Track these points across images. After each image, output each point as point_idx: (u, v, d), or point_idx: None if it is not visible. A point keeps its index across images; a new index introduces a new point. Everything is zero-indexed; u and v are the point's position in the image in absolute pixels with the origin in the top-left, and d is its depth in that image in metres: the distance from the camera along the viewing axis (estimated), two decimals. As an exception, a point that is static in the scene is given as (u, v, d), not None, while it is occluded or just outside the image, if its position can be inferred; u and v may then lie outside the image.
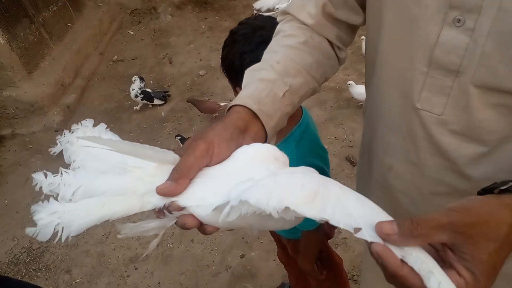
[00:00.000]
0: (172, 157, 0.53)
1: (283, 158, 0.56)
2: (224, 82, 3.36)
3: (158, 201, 0.50)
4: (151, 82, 3.76)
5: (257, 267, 1.99)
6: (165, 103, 3.43)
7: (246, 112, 0.61)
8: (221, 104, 3.02)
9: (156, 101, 3.37)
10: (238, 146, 0.56)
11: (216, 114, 3.06)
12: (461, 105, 0.59)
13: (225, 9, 4.61)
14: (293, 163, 1.04)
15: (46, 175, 0.49)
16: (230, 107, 0.62)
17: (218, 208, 0.46)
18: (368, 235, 0.39)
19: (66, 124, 3.39)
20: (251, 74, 0.67)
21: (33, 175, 0.50)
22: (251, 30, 0.99)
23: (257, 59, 0.71)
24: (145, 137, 3.13)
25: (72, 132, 0.56)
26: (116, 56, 4.20)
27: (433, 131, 0.63)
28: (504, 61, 0.52)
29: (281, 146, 1.05)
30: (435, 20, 0.57)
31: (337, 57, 0.76)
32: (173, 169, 0.51)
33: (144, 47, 4.29)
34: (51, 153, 0.56)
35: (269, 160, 0.55)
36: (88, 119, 0.60)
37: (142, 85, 3.36)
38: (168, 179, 0.50)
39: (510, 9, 0.50)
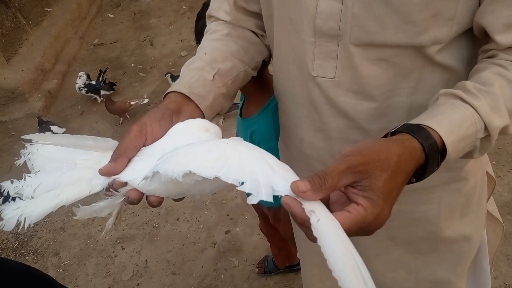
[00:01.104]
0: (112, 143, 0.61)
1: (214, 129, 0.61)
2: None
3: (104, 182, 0.56)
4: (133, 65, 3.74)
5: (242, 241, 2.04)
6: (113, 92, 3.37)
7: (178, 96, 0.66)
8: (132, 103, 3.02)
9: (103, 92, 3.30)
10: (172, 125, 0.62)
11: (129, 112, 3.06)
12: (347, 65, 0.66)
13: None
14: (270, 133, 1.08)
15: (12, 182, 0.57)
16: (164, 96, 0.67)
17: (146, 178, 0.54)
18: (279, 190, 0.45)
19: (48, 109, 3.37)
20: (184, 69, 0.74)
21: (1, 183, 0.58)
22: None
23: None
24: (128, 121, 3.13)
25: (32, 145, 0.62)
26: (96, 40, 4.14)
27: (330, 94, 0.70)
28: (371, 19, 0.60)
29: (258, 117, 1.08)
30: None
31: (264, 44, 0.83)
32: (113, 152, 0.58)
33: (124, 29, 4.23)
34: (16, 164, 0.64)
35: (200, 132, 0.60)
36: (47, 132, 0.68)
37: (87, 82, 3.30)
38: (110, 160, 0.57)
39: None
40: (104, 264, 2.11)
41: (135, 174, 0.55)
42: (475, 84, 0.58)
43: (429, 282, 0.94)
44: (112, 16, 4.49)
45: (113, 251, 2.16)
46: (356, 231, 0.47)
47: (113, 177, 0.56)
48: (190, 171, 0.46)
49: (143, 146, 0.59)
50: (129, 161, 0.57)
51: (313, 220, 0.43)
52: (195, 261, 2.01)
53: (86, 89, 3.27)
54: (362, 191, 0.48)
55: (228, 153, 0.49)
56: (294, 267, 1.81)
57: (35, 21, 3.83)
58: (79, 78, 3.30)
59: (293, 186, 0.45)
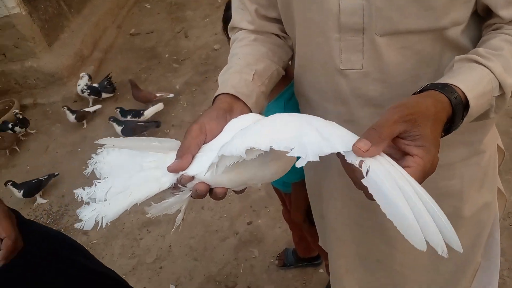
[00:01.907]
0: (176, 143, 0.65)
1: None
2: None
3: (172, 179, 0.61)
4: (167, 55, 3.82)
5: (263, 233, 2.08)
6: (113, 95, 3.39)
7: (227, 97, 0.72)
8: (157, 94, 3.07)
9: (105, 95, 3.33)
10: (227, 122, 0.67)
11: (151, 104, 3.10)
12: (374, 56, 0.71)
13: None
14: None
15: (84, 189, 0.61)
16: (214, 100, 0.73)
17: (213, 166, 0.57)
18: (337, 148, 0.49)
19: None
20: (222, 75, 0.79)
21: (75, 190, 0.62)
22: None
23: None
24: (161, 109, 3.21)
25: (97, 155, 0.67)
26: (133, 30, 4.26)
27: (359, 84, 0.75)
28: (393, 9, 0.66)
29: (271, 104, 1.12)
30: None
31: (288, 45, 0.89)
32: (178, 150, 0.62)
33: (160, 20, 4.33)
34: (85, 173, 0.67)
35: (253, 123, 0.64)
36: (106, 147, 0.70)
37: (89, 83, 3.31)
38: (176, 158, 0.62)
39: None
40: (129, 245, 2.20)
41: (201, 167, 0.59)
42: (486, 49, 0.64)
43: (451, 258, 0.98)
44: (149, 6, 4.59)
45: (139, 234, 2.24)
46: (420, 182, 0.50)
47: (181, 173, 0.60)
48: (250, 147, 0.51)
49: (204, 143, 0.64)
50: (193, 158, 0.62)
51: (364, 168, 0.47)
52: (216, 249, 2.06)
53: (88, 91, 3.26)
54: (413, 141, 0.51)
55: (278, 125, 0.54)
56: (313, 261, 1.83)
57: (77, 9, 3.97)
58: (81, 78, 3.31)
59: (355, 148, 0.49)
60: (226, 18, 1.22)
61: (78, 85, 3.29)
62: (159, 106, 3.04)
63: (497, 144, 0.95)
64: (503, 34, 0.65)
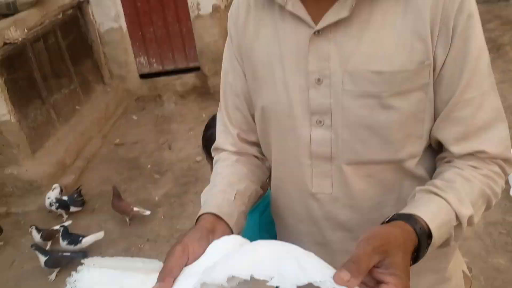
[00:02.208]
0: (158, 265, 0.66)
1: (246, 242, 0.69)
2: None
3: None
4: (149, 166, 3.89)
5: None
6: (82, 209, 3.35)
7: (210, 216, 0.76)
8: (134, 209, 3.09)
9: (73, 209, 3.28)
10: (209, 243, 0.69)
11: (130, 216, 3.13)
12: (342, 182, 0.79)
13: (225, 99, 4.89)
14: (256, 232, 1.17)
15: None
16: (197, 218, 0.77)
17: None
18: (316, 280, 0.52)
19: (61, 204, 3.45)
20: (206, 194, 0.86)
21: None
22: None
23: None
24: (137, 222, 3.18)
25: (77, 272, 0.67)
26: (118, 140, 4.38)
27: (329, 208, 0.82)
28: (358, 142, 0.75)
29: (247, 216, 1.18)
30: (305, 125, 0.79)
31: (266, 166, 0.97)
32: (159, 272, 0.63)
33: (146, 132, 4.49)
34: None
35: (236, 246, 0.66)
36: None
37: (59, 195, 3.25)
38: (157, 281, 0.62)
39: (348, 106, 0.74)
40: None
41: None
42: (442, 181, 0.71)
43: None
44: (136, 118, 4.79)
45: None
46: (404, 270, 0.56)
47: None
48: (232, 275, 0.53)
49: (186, 265, 0.65)
50: (174, 280, 0.62)
51: None
52: None
53: (57, 204, 3.17)
54: (387, 269, 0.56)
55: (259, 253, 0.57)
56: None
57: (65, 118, 4.11)
58: (52, 190, 3.23)
59: (337, 278, 0.52)
60: (206, 137, 1.35)
61: (48, 198, 3.20)
62: (99, 235, 2.93)
63: (463, 271, 0.99)
64: (455, 168, 0.74)
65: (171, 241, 2.91)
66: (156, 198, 3.45)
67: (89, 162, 4.02)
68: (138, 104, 4.99)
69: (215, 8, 4.73)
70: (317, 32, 0.74)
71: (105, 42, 4.88)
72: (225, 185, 0.83)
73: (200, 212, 0.77)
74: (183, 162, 3.87)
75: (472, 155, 0.74)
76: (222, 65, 0.94)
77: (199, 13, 4.76)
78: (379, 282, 0.56)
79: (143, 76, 5.09)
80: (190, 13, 4.78)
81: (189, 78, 4.95)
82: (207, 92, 4.90)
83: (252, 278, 0.52)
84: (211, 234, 0.71)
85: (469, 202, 0.71)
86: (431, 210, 0.67)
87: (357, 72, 0.73)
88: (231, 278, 0.54)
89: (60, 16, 4.28)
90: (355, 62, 0.73)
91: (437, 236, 0.66)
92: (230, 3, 4.43)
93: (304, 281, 0.51)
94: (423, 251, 0.64)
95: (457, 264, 0.96)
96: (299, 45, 0.77)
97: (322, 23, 0.73)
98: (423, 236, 0.63)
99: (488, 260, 2.28)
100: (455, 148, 0.74)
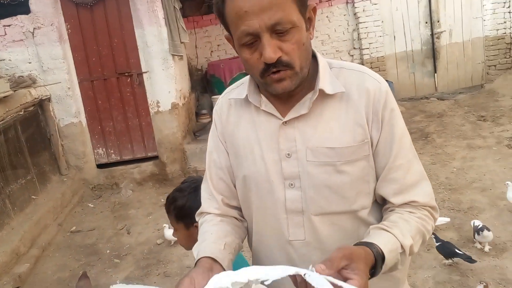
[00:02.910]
0: None
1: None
2: (180, 250, 3.57)
3: None
4: (108, 251, 3.87)
5: None
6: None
7: (207, 259, 0.95)
8: None
9: None
10: (209, 278, 0.86)
11: None
12: (312, 230, 1.01)
13: (182, 186, 5.10)
14: None
15: None
16: (196, 262, 0.96)
17: None
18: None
19: (14, 294, 3.29)
20: (197, 247, 1.03)
21: None
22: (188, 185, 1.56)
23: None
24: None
25: None
26: (74, 227, 4.34)
27: (303, 251, 1.03)
28: (321, 198, 1.00)
29: None
30: (280, 188, 1.02)
31: (244, 226, 1.16)
32: None
33: (103, 218, 4.50)
34: None
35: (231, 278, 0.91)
36: None
37: None
38: None
39: (312, 172, 0.99)
40: None
41: None
42: (388, 222, 0.96)
43: None
44: (92, 206, 4.81)
45: None
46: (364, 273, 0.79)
47: None
48: (234, 281, 0.75)
49: None
50: None
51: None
52: None
53: None
54: (352, 271, 0.78)
55: (252, 268, 0.81)
56: None
57: (20, 207, 4.07)
58: None
59: (317, 268, 0.75)
60: (168, 210, 1.56)
61: None
62: None
63: None
64: (396, 213, 0.99)
65: (135, 322, 2.86)
66: (118, 282, 3.40)
67: (44, 250, 3.92)
68: (94, 192, 5.03)
69: (174, 106, 5.19)
70: (285, 122, 1.01)
71: (64, 135, 5.06)
72: (215, 238, 1.01)
73: (197, 258, 0.96)
74: (143, 245, 3.90)
75: (407, 204, 1.00)
76: (208, 146, 1.18)
77: (158, 110, 5.18)
78: (346, 279, 0.77)
79: (100, 166, 5.22)
80: (150, 109, 5.19)
81: (147, 166, 5.17)
82: (165, 179, 5.10)
83: (248, 280, 0.77)
84: (210, 272, 0.90)
85: (409, 236, 0.94)
86: (383, 240, 0.90)
87: (316, 148, 0.99)
88: (234, 283, 0.77)
89: (22, 112, 4.48)
90: (314, 141, 0.99)
91: (389, 258, 0.88)
92: (187, 101, 5.06)
93: (290, 272, 0.76)
94: (379, 269, 0.87)
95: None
96: (272, 131, 1.03)
97: (288, 117, 1.01)
98: (379, 257, 0.86)
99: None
100: (394, 200, 1.00)
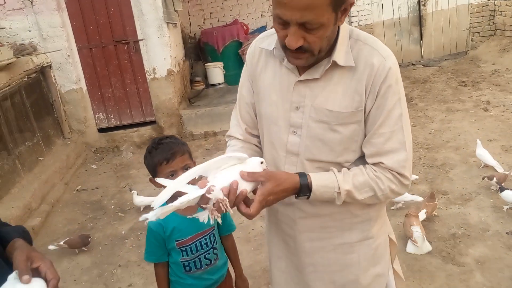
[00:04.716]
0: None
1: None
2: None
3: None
4: (112, 207, 4.20)
5: None
6: None
7: None
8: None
9: None
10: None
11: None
12: (302, 170, 1.19)
13: (179, 149, 5.41)
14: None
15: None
16: None
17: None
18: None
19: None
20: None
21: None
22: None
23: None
24: (107, 252, 3.46)
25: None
26: (79, 186, 4.67)
27: None
28: (315, 148, 1.19)
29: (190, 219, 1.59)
30: (285, 132, 1.22)
31: (261, 152, 1.37)
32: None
33: (106, 178, 4.82)
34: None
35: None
36: None
37: None
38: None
39: (311, 126, 1.18)
40: None
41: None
42: (344, 169, 1.18)
43: None
44: (95, 167, 5.12)
45: None
46: (264, 198, 1.07)
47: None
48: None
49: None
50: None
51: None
52: None
53: None
54: (259, 190, 1.09)
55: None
56: None
57: (29, 167, 4.38)
58: None
59: (241, 172, 1.07)
60: (148, 164, 1.66)
61: None
62: None
63: (389, 237, 1.39)
64: (361, 167, 1.18)
65: (141, 265, 3.21)
66: (123, 232, 3.75)
67: (53, 206, 4.25)
68: (96, 155, 5.34)
69: (169, 72, 5.43)
70: (300, 80, 1.17)
71: (66, 101, 5.31)
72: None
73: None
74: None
75: (376, 164, 1.16)
76: (240, 81, 1.36)
77: (155, 76, 5.42)
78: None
79: (101, 130, 5.50)
80: (147, 76, 5.43)
81: (146, 131, 5.46)
82: (161, 143, 5.38)
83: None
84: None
85: (351, 182, 1.14)
86: (320, 177, 1.13)
87: (318, 108, 1.15)
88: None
89: (25, 79, 4.70)
90: (318, 101, 1.15)
91: (318, 190, 1.12)
92: (182, 68, 5.34)
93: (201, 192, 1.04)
94: (303, 195, 1.13)
95: (383, 230, 1.35)
96: (289, 85, 1.19)
97: (303, 77, 1.16)
98: (305, 186, 1.11)
99: (408, 253, 2.90)
100: (369, 160, 1.18)
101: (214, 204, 1.05)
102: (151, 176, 1.67)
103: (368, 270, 1.32)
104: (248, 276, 2.82)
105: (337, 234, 1.29)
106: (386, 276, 1.40)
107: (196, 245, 1.67)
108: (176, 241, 1.64)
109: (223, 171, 1.11)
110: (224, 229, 1.79)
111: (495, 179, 3.32)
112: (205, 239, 1.69)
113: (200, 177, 1.12)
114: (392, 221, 3.16)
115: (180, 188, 1.07)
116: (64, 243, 3.38)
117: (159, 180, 1.15)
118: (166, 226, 1.63)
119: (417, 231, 2.80)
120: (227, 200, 1.04)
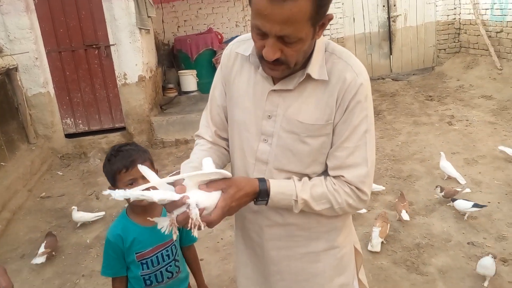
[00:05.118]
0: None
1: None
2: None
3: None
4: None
5: None
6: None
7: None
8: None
9: None
10: None
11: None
12: (270, 178, 1.18)
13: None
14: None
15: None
16: None
17: None
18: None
19: (-12, 252, 3.48)
20: (183, 166, 1.24)
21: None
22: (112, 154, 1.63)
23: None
24: (70, 262, 3.35)
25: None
26: (44, 193, 4.52)
27: None
28: (284, 157, 1.19)
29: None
30: (256, 139, 1.22)
31: (229, 155, 1.37)
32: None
33: (72, 185, 4.69)
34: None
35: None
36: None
37: None
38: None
39: (282, 136, 1.18)
40: None
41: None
42: (304, 179, 1.19)
43: None
44: (61, 173, 4.97)
45: None
46: (225, 208, 1.06)
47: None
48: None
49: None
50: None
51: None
52: None
53: None
54: (224, 194, 1.07)
55: None
56: None
57: (-10, 173, 4.21)
58: None
59: (201, 185, 1.06)
60: (107, 172, 1.62)
61: None
62: None
63: (355, 247, 1.40)
64: (321, 178, 1.18)
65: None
66: (88, 241, 3.64)
67: (15, 214, 4.09)
68: (63, 161, 5.19)
69: (141, 78, 5.36)
70: (274, 90, 1.17)
71: (32, 105, 5.15)
72: (199, 163, 1.17)
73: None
74: (112, 209, 4.14)
75: (336, 177, 1.17)
76: (213, 82, 1.35)
77: (126, 82, 5.34)
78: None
79: (68, 135, 5.36)
80: (118, 81, 5.34)
81: (115, 137, 5.36)
82: (132, 150, 5.29)
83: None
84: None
85: (309, 192, 1.14)
86: (279, 183, 1.14)
87: (289, 118, 1.16)
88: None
89: (-11, 80, 4.55)
90: (290, 112, 1.16)
91: (274, 197, 1.13)
92: (154, 75, 5.32)
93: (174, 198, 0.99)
94: (261, 201, 1.13)
95: (349, 240, 1.35)
96: (262, 93, 1.19)
97: (277, 87, 1.16)
98: (263, 192, 1.12)
99: (374, 262, 2.95)
100: (330, 172, 1.19)
101: (178, 216, 1.01)
102: (110, 185, 1.61)
103: (333, 280, 1.33)
104: (216, 286, 2.82)
105: (304, 243, 1.30)
106: (351, 286, 1.41)
107: (157, 257, 1.62)
108: (136, 253, 1.58)
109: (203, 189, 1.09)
110: (185, 240, 1.75)
111: (439, 190, 3.51)
112: (167, 251, 1.64)
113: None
114: (358, 231, 3.24)
115: (159, 186, 1.04)
116: (45, 248, 3.25)
117: (142, 168, 1.07)
118: (126, 237, 1.57)
119: (375, 231, 3.05)
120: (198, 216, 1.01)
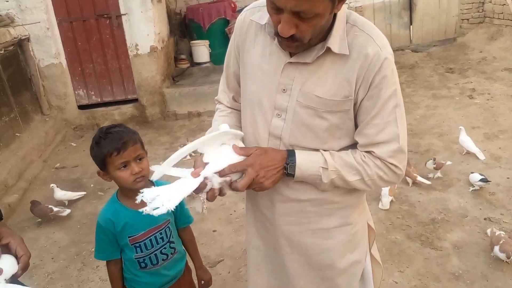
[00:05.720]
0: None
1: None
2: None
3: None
4: (92, 185, 4.13)
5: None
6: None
7: None
8: (54, 209, 3.44)
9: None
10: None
11: (51, 217, 3.45)
12: None
13: (163, 128, 5.32)
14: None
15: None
16: None
17: None
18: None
19: (5, 220, 3.55)
20: (208, 132, 1.25)
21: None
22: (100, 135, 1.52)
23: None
24: (86, 231, 3.40)
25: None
26: (58, 164, 4.56)
27: None
28: (300, 133, 1.16)
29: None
30: (269, 114, 1.18)
31: None
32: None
33: (85, 156, 4.71)
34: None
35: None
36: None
37: None
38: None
39: (297, 111, 1.14)
40: None
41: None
42: (337, 152, 1.17)
43: None
44: (75, 145, 5.00)
45: None
46: (250, 178, 1.10)
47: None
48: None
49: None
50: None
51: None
52: None
53: None
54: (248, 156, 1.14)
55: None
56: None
57: (5, 143, 4.25)
58: None
59: (234, 146, 1.12)
60: (95, 156, 1.52)
61: None
62: None
63: (368, 224, 1.38)
64: (353, 151, 1.16)
65: (120, 244, 3.17)
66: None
67: (31, 184, 4.15)
68: (76, 132, 5.21)
69: (153, 49, 5.28)
70: (290, 62, 1.12)
71: (45, 76, 5.14)
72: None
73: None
74: (125, 180, 4.17)
75: (367, 152, 1.14)
76: (228, 49, 1.31)
77: (137, 53, 5.27)
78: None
79: (81, 107, 5.36)
80: (129, 52, 5.27)
81: (127, 109, 5.34)
82: (145, 121, 5.30)
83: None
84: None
85: (339, 161, 1.13)
86: (305, 153, 1.14)
87: (306, 93, 1.12)
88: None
89: (2, 51, 4.52)
90: (307, 86, 1.11)
91: (303, 164, 1.12)
92: (166, 45, 5.19)
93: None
94: (290, 170, 1.13)
95: (362, 217, 1.34)
96: (278, 65, 1.14)
97: (293, 59, 1.11)
98: (292, 160, 1.12)
99: (388, 237, 2.91)
100: (360, 149, 1.15)
101: (207, 194, 1.08)
102: (99, 170, 1.55)
103: (345, 256, 1.31)
104: (228, 257, 2.83)
105: (316, 219, 1.27)
106: (363, 263, 1.39)
107: (150, 240, 1.57)
108: (128, 237, 1.54)
109: (217, 151, 1.12)
110: (181, 221, 1.71)
111: (432, 162, 3.49)
112: (160, 234, 1.60)
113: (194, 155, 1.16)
114: (371, 207, 3.19)
115: (173, 173, 1.09)
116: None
117: (172, 169, 1.10)
118: (117, 221, 1.53)
119: (384, 190, 3.17)
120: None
